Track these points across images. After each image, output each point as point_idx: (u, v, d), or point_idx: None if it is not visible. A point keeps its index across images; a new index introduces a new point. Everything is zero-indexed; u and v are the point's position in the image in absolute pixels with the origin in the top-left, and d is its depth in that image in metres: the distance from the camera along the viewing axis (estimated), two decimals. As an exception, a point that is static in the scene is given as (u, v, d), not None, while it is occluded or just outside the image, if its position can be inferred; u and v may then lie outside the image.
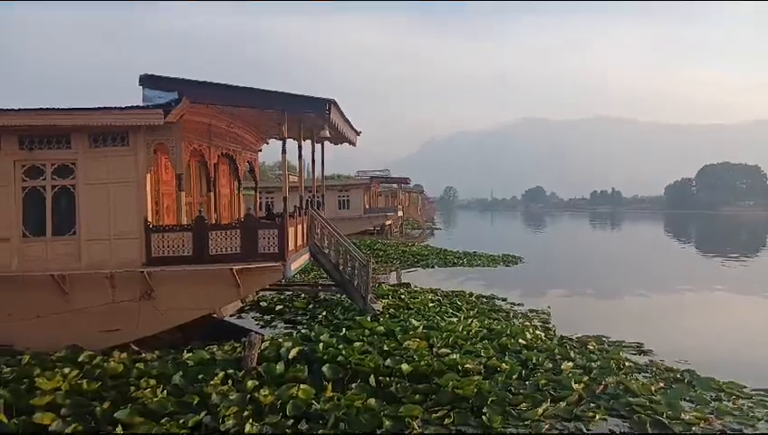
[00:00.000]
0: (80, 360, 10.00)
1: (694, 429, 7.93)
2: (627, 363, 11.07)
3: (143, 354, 10.48)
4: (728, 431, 7.96)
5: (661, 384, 9.74)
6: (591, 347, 12.19)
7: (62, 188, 11.67)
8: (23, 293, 11.41)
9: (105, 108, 11.25)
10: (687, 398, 9.17)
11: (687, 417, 8.24)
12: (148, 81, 11.68)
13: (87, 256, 11.55)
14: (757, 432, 8.04)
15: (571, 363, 10.42)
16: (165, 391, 8.60)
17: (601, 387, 9.26)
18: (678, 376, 10.34)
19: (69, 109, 11.30)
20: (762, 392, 9.52)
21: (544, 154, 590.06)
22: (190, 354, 10.18)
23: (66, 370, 9.31)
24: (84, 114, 11.24)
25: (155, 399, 8.28)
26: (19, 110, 11.31)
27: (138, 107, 11.32)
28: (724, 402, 9.10)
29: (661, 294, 21.72)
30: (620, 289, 22.75)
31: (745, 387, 9.73)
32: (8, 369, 9.54)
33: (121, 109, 11.20)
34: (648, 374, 10.54)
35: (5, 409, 7.93)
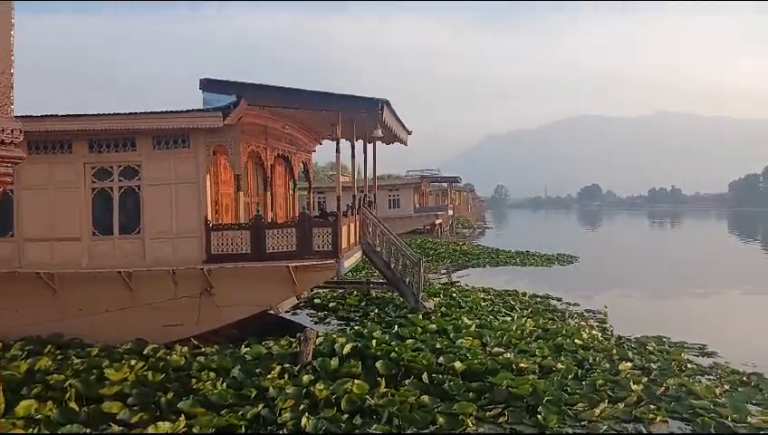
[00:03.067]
0: (145, 352, 10.45)
1: (761, 433, 7.61)
2: (689, 365, 10.73)
3: (203, 348, 10.86)
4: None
5: (726, 387, 9.39)
6: (651, 348, 11.86)
7: (127, 188, 12.22)
8: (92, 289, 12.00)
9: (167, 111, 11.72)
10: (754, 401, 8.80)
11: (754, 421, 7.92)
12: (207, 84, 12.09)
13: (151, 253, 12.06)
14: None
15: (629, 364, 10.16)
16: (224, 384, 8.89)
17: (662, 389, 9.00)
18: (745, 379, 9.92)
19: (134, 113, 11.84)
20: (837, 397, 9.02)
21: (601, 151, 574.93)
22: (248, 349, 10.48)
23: (132, 362, 9.73)
24: (148, 118, 11.75)
25: (215, 391, 8.56)
26: (88, 115, 11.93)
27: (198, 110, 11.74)
28: (794, 407, 8.67)
29: (725, 294, 20.87)
30: (681, 289, 21.96)
31: (818, 391, 9.25)
32: (79, 360, 10.04)
33: (182, 112, 11.65)
34: (711, 377, 10.18)
35: (76, 397, 8.39)
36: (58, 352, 10.75)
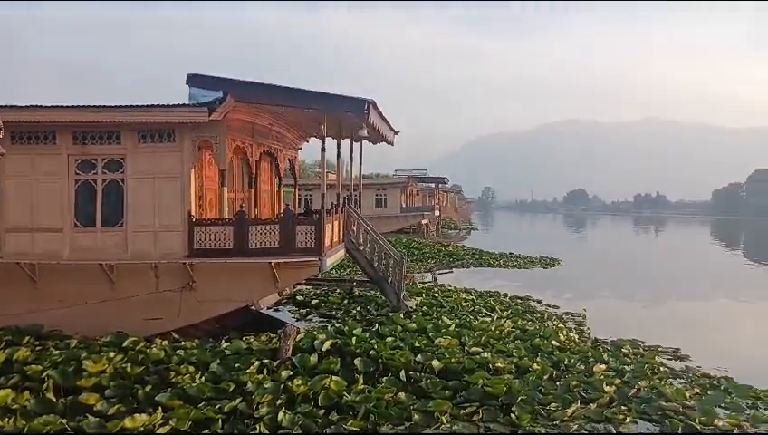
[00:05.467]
0: (124, 345, 10.47)
1: (727, 435, 7.83)
2: (662, 368, 10.96)
3: (183, 342, 10.90)
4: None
5: (696, 390, 9.61)
6: (626, 351, 12.08)
7: (111, 181, 12.21)
8: (73, 280, 11.97)
9: (153, 105, 11.74)
10: (723, 405, 9.01)
11: (721, 423, 8.13)
12: (194, 79, 12.11)
13: (133, 246, 12.06)
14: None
15: (603, 366, 10.36)
16: (203, 378, 8.96)
17: (634, 390, 9.20)
18: (715, 383, 10.17)
19: (119, 106, 11.84)
20: (802, 402, 9.27)
21: (588, 156, 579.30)
22: (228, 344, 10.54)
23: (111, 354, 9.77)
24: (133, 112, 11.75)
25: (193, 384, 8.64)
26: (73, 106, 11.90)
27: (184, 105, 11.76)
28: (761, 410, 8.90)
29: (703, 301, 21.24)
30: (660, 295, 22.30)
31: (786, 396, 9.49)
32: (57, 351, 10.05)
33: (168, 106, 11.68)
34: (683, 380, 10.41)
35: (54, 388, 8.40)
36: (37, 343, 10.76)
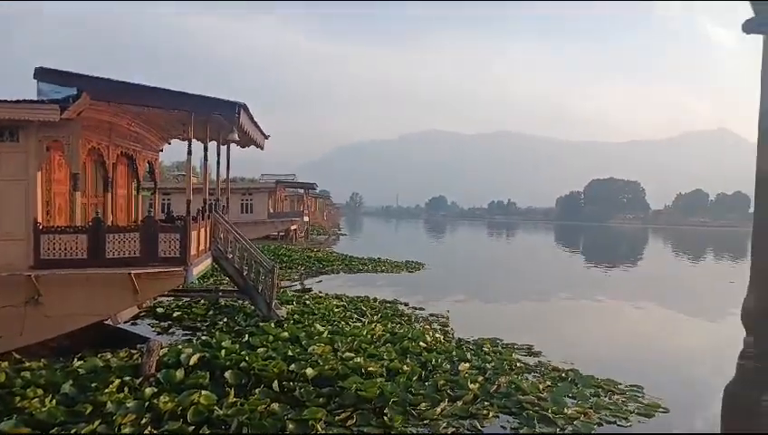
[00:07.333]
0: (-45, 370, 9.24)
1: (575, 422, 8.66)
2: (518, 364, 11.79)
3: (27, 363, 9.85)
4: (604, 423, 8.80)
5: (548, 383, 10.47)
6: (487, 349, 12.86)
7: (-62, 184, 10.73)
8: None
9: (-10, 100, 10.51)
10: (570, 395, 9.90)
11: (570, 412, 8.96)
12: (43, 74, 11.01)
13: (-35, 258, 10.69)
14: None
15: (467, 364, 10.96)
16: (54, 401, 8.15)
17: (495, 386, 9.84)
18: (563, 375, 11.14)
19: (-52, 99, 10.45)
20: (634, 388, 10.50)
21: (447, 165, 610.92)
22: (81, 362, 9.69)
23: (-61, 381, 8.58)
24: (-33, 106, 10.43)
25: (44, 409, 7.82)
26: None
27: (31, 101, 10.63)
28: (601, 398, 9.93)
29: (550, 299, 23.21)
30: (514, 295, 24.09)
31: (620, 384, 10.68)
32: None
33: (11, 103, 10.49)
34: (537, 374, 11.28)
35: None
36: None
